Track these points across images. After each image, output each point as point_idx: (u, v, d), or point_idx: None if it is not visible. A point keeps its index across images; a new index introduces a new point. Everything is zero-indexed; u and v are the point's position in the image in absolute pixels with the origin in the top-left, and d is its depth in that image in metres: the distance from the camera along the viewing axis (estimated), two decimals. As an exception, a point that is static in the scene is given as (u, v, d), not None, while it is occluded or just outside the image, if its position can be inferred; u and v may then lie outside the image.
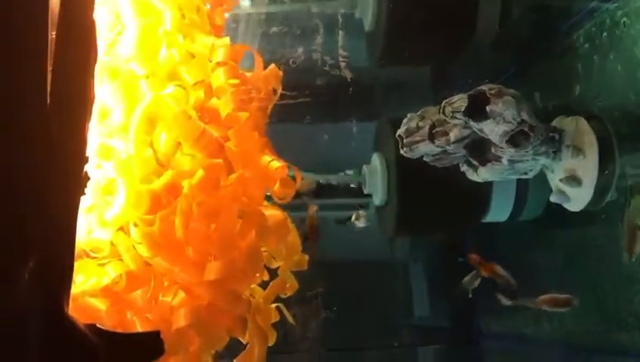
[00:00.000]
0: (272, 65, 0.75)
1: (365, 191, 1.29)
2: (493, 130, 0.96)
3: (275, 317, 0.90)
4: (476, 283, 1.11)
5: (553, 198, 1.04)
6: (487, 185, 1.20)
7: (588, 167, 0.97)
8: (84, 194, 0.53)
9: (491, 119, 0.96)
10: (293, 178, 0.70)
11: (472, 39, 1.20)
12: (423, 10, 1.21)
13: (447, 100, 1.00)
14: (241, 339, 0.86)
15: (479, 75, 1.18)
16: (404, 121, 1.06)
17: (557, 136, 0.99)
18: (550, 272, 1.17)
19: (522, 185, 1.20)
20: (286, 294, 0.92)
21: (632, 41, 0.92)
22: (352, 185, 1.35)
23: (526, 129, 0.95)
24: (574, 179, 0.99)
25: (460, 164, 1.08)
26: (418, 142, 1.04)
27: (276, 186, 0.66)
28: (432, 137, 1.02)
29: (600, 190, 0.97)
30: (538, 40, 1.12)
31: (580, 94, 1.04)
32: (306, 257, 0.90)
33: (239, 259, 0.60)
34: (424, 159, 1.07)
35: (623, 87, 0.95)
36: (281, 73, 0.75)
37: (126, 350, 0.52)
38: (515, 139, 0.95)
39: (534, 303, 0.93)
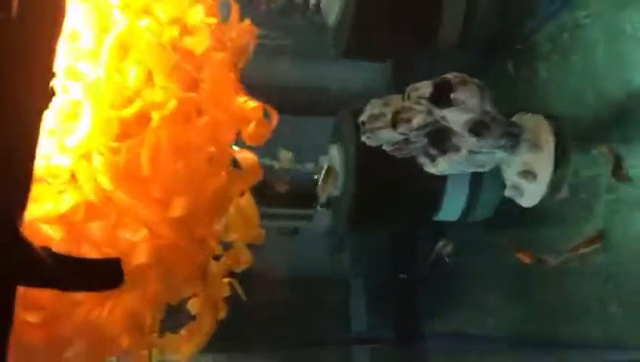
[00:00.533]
0: (247, 21, 0.74)
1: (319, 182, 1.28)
2: (455, 118, 0.97)
3: (226, 292, 0.87)
4: (449, 248, 1.11)
5: (507, 193, 1.06)
6: (441, 182, 1.21)
7: (544, 162, 0.99)
8: (49, 108, 0.50)
9: (454, 107, 0.97)
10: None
11: (436, 36, 1.23)
12: (389, 6, 1.22)
13: (412, 86, 1.01)
14: (191, 311, 0.84)
15: (443, 72, 1.19)
16: (367, 106, 1.06)
17: (516, 131, 1.01)
18: (500, 270, 1.19)
19: (475, 184, 1.22)
20: (240, 268, 0.90)
21: (593, 42, 0.96)
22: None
23: (487, 120, 0.97)
24: (530, 173, 1.01)
25: (418, 156, 1.09)
26: (380, 128, 1.04)
27: (251, 127, 0.64)
28: (394, 124, 1.03)
29: (554, 186, 1.00)
30: (501, 39, 1.15)
31: (540, 93, 1.07)
32: (263, 231, 0.89)
33: (206, 198, 0.58)
34: (384, 148, 1.07)
35: (582, 87, 0.98)
36: (256, 30, 0.74)
37: (83, 275, 0.49)
38: (477, 129, 0.97)
39: (569, 257, 0.93)
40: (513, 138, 1.01)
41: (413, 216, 1.27)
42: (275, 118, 0.69)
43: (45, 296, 0.55)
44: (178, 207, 0.57)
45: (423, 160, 1.08)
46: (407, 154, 1.08)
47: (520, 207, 1.10)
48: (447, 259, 1.14)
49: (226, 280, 0.89)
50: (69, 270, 0.48)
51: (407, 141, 1.05)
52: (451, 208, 1.24)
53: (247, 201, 0.81)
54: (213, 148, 0.60)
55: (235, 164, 0.64)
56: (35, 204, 0.54)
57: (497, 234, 1.26)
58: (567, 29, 0.99)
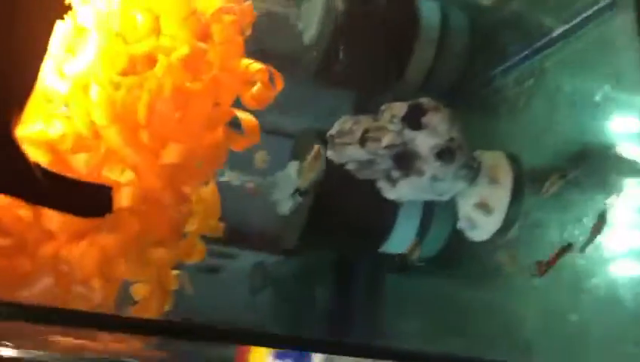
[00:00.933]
0: (249, 2, 0.74)
1: (272, 198, 1.27)
2: (424, 141, 1.00)
3: (174, 284, 0.85)
4: (417, 252, 1.11)
5: (460, 224, 1.09)
6: (394, 211, 1.23)
7: (500, 196, 1.03)
8: (62, 19, 0.48)
9: (425, 130, 1.00)
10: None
11: (403, 76, 1.27)
12: (365, 38, 1.26)
13: (386, 105, 1.04)
14: (135, 296, 0.81)
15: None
16: (338, 121, 1.08)
17: (476, 164, 1.05)
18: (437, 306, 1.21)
19: (426, 219, 1.24)
20: (192, 261, 0.87)
21: (555, 89, 1.02)
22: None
23: (454, 147, 1.00)
24: (486, 207, 1.04)
25: (378, 180, 1.10)
26: (348, 144, 1.06)
27: (256, 88, 0.64)
28: (363, 141, 1.04)
29: (507, 221, 1.03)
30: (468, 81, 1.20)
31: (502, 133, 1.12)
32: (222, 225, 0.87)
33: (200, 153, 0.56)
34: (347, 166, 1.09)
35: (543, 131, 1.04)
36: (255, 15, 0.74)
37: (72, 196, 0.46)
38: (443, 154, 1.00)
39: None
40: (473, 171, 1.04)
41: (363, 241, 1.27)
42: (280, 83, 0.69)
43: (16, 221, 0.51)
44: (171, 154, 0.55)
45: (383, 184, 1.10)
46: (368, 175, 1.10)
47: (464, 247, 1.13)
48: (417, 264, 1.14)
49: (175, 272, 0.87)
50: (58, 187, 0.46)
51: (371, 162, 1.07)
52: (400, 240, 1.26)
53: (211, 191, 0.80)
54: (214, 104, 0.59)
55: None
56: (24, 123, 0.51)
57: (438, 270, 1.28)
58: (533, 74, 1.05)
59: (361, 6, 1.26)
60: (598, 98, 1.00)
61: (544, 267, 0.85)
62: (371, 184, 1.11)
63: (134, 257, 0.60)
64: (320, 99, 1.40)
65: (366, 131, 1.04)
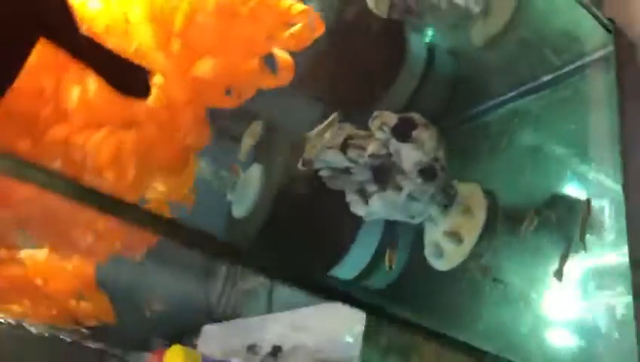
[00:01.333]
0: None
1: (229, 197, 1.21)
2: (409, 155, 0.98)
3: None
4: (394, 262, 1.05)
5: (427, 251, 1.06)
6: (352, 232, 1.18)
7: (472, 228, 1.01)
8: None
9: (412, 144, 0.98)
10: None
11: (383, 99, 1.26)
12: (350, 58, 1.25)
13: (377, 113, 1.01)
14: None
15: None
16: (321, 125, 1.04)
17: (453, 192, 1.03)
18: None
19: (383, 248, 1.21)
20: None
21: (539, 132, 1.03)
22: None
23: (437, 167, 0.99)
24: (456, 236, 1.02)
25: (349, 193, 1.06)
26: (328, 148, 1.02)
27: (296, 28, 0.60)
28: (344, 147, 1.01)
29: (475, 253, 1.01)
30: (449, 116, 1.20)
31: (482, 169, 1.11)
32: (193, 197, 0.82)
33: (234, 76, 0.51)
34: (321, 173, 1.04)
35: (522, 171, 1.04)
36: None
37: (112, 66, 0.40)
38: (426, 172, 0.97)
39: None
40: (449, 197, 1.02)
41: (317, 257, 1.22)
42: (320, 27, 0.65)
43: (36, 91, 0.44)
44: (204, 68, 0.50)
45: (353, 197, 1.05)
46: (340, 186, 1.05)
47: (425, 277, 1.10)
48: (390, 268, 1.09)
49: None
50: (101, 53, 0.39)
51: (347, 171, 1.03)
52: (351, 265, 1.21)
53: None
54: (252, 33, 0.54)
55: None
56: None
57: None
58: (518, 114, 1.06)
59: (352, 25, 1.25)
60: (574, 149, 1.02)
61: (559, 272, 0.84)
62: (339, 197, 1.07)
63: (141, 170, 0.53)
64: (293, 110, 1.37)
65: (349, 138, 1.01)
